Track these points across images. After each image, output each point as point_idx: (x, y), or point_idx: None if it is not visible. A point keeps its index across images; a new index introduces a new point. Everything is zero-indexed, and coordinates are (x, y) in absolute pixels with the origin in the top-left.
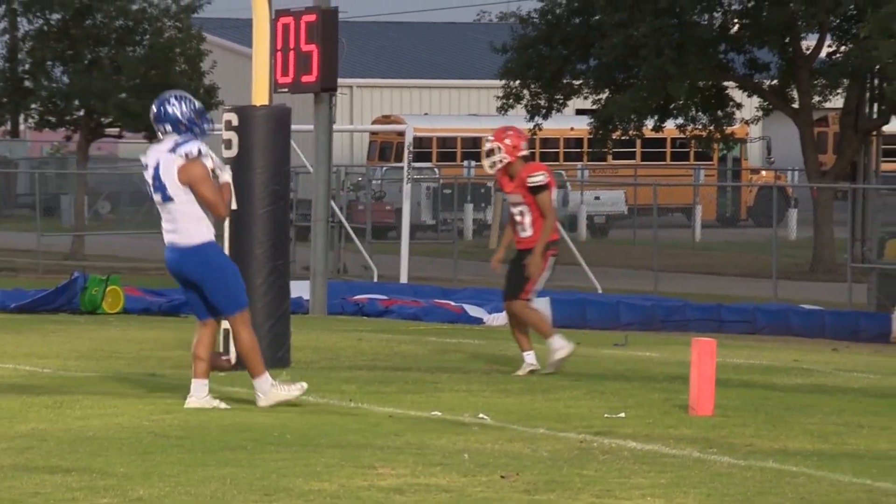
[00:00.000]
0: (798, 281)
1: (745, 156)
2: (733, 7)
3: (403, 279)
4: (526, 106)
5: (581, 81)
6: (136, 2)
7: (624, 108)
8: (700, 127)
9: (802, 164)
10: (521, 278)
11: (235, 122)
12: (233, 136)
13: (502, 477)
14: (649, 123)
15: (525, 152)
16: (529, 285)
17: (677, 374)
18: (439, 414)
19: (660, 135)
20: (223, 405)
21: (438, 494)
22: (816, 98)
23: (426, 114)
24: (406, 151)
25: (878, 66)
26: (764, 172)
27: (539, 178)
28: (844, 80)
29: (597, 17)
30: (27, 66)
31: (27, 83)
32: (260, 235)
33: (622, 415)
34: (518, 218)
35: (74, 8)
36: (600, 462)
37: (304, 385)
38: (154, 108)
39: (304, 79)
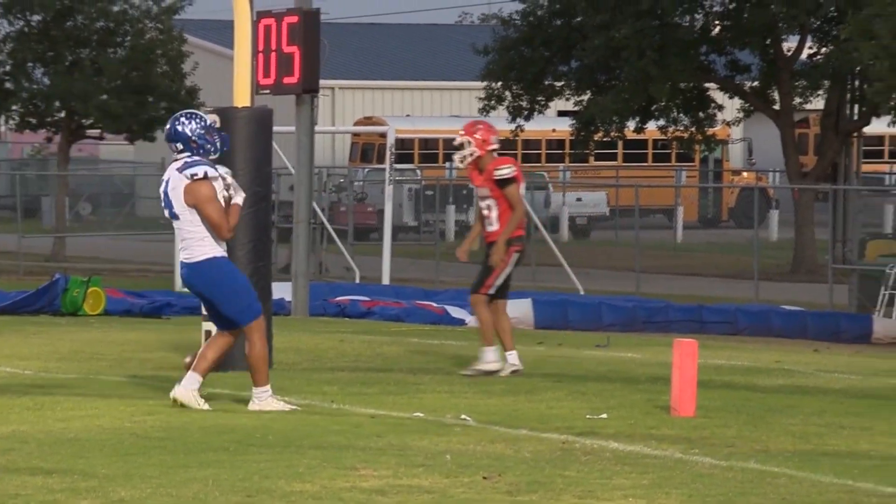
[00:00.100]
0: (779, 282)
1: (727, 157)
2: (714, 9)
3: (385, 280)
4: (508, 107)
5: (563, 83)
6: (117, 3)
7: (606, 110)
8: (682, 128)
9: (783, 166)
10: (485, 272)
11: (217, 124)
12: None
13: (484, 478)
14: (631, 125)
15: (495, 146)
16: (490, 279)
17: (659, 375)
18: (421, 415)
19: (641, 136)
20: (206, 406)
21: (420, 495)
22: (797, 100)
23: (408, 115)
24: (388, 153)
25: (858, 68)
26: (745, 174)
27: (505, 171)
28: (825, 82)
29: (578, 19)
30: (8, 68)
31: (8, 84)
32: (241, 237)
33: (604, 416)
34: (486, 212)
35: (55, 9)
36: (582, 463)
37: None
38: (167, 127)
39: (286, 80)
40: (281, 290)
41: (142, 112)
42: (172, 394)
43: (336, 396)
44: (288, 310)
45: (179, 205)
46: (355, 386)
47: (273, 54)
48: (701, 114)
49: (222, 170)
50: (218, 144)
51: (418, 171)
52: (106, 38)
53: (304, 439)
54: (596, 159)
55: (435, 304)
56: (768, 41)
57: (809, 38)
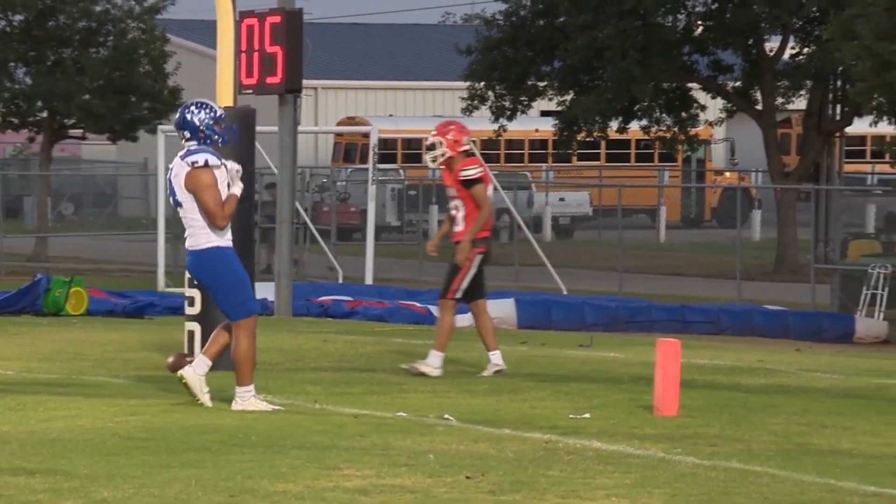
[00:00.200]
0: (762, 282)
1: (710, 157)
2: (697, 9)
3: (368, 280)
4: (491, 107)
5: (546, 83)
6: (99, 3)
7: (588, 110)
8: (664, 128)
9: (766, 166)
10: (450, 273)
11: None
12: None
13: (468, 477)
14: (614, 125)
15: (467, 147)
16: (455, 283)
17: (642, 375)
18: (404, 415)
19: (624, 136)
20: (208, 399)
21: (404, 495)
22: (780, 100)
23: (391, 115)
24: (371, 153)
25: (840, 68)
26: (728, 174)
27: (471, 171)
28: (807, 82)
29: (561, 19)
30: None
31: None
32: None
33: (587, 415)
34: (453, 213)
35: (37, 9)
36: (565, 462)
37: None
38: (177, 116)
39: (269, 80)
40: (264, 290)
41: (124, 112)
42: (181, 371)
43: (319, 396)
44: (271, 310)
45: (181, 192)
46: (338, 386)
47: (256, 54)
48: (684, 114)
49: (232, 164)
50: (226, 135)
51: (401, 171)
52: (88, 37)
53: (287, 439)
54: (579, 159)
55: (418, 304)
56: (751, 41)
57: (792, 38)
